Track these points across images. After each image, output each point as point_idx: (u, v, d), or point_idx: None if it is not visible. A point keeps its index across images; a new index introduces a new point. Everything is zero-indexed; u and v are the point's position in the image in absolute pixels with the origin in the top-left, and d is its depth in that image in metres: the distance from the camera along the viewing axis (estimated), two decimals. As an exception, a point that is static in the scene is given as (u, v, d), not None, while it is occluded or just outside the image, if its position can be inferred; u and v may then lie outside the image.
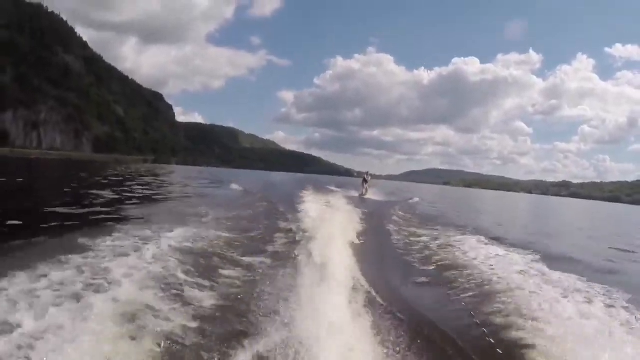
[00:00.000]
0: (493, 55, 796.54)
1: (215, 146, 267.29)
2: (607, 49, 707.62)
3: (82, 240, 4.83)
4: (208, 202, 11.98)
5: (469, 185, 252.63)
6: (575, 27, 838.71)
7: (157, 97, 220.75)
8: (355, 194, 21.75)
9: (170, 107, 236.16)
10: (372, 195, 21.67)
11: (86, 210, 9.18)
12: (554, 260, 6.81)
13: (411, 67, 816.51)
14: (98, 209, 9.29)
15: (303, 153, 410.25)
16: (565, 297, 4.42)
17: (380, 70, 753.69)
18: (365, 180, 22.52)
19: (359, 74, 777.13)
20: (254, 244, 6.31)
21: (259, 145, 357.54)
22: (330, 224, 8.35)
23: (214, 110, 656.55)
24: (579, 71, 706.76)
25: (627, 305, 4.29)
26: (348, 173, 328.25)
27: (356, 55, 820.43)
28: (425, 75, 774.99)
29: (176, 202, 12.92)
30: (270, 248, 6.10)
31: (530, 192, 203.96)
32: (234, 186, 21.24)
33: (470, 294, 4.74)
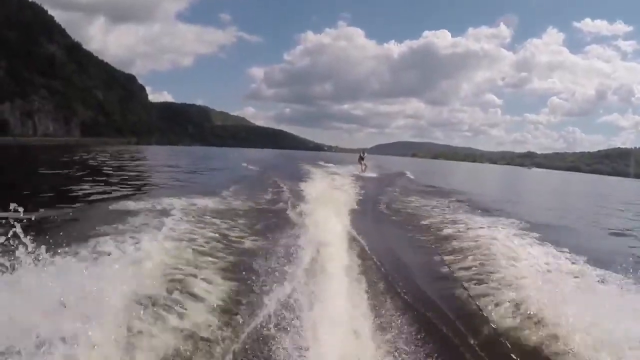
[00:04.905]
0: (464, 28, 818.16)
1: (188, 125, 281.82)
2: (576, 24, 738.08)
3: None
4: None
5: (436, 157, 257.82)
6: (545, 1, 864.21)
7: (130, 80, 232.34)
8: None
9: (142, 88, 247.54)
10: (370, 172, 23.04)
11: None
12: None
13: (382, 41, 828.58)
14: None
15: (273, 129, 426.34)
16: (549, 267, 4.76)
17: (350, 44, 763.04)
18: (361, 158, 24.15)
19: (329, 48, 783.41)
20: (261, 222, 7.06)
21: (230, 122, 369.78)
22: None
23: (183, 88, 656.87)
24: (549, 45, 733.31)
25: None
26: (318, 147, 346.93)
27: (327, 29, 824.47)
28: (395, 49, 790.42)
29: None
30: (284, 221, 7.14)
31: (496, 163, 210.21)
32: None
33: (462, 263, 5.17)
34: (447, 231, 7.18)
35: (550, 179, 56.04)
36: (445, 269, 5.11)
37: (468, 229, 7.02)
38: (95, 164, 22.80)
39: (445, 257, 5.53)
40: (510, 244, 5.66)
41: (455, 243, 6.24)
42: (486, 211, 10.23)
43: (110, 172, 17.71)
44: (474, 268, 4.90)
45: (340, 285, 4.03)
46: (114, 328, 2.69)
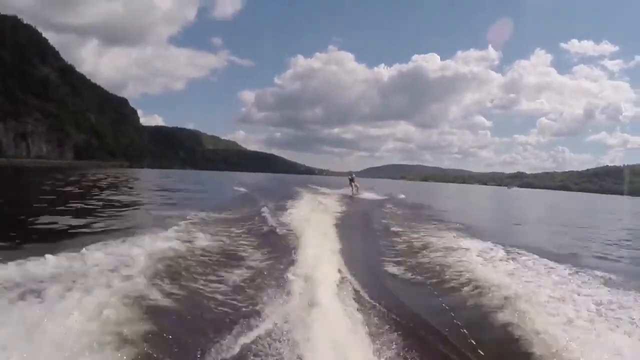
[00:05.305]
0: (453, 51, 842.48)
1: (179, 149, 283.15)
2: (563, 45, 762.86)
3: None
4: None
5: (425, 179, 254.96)
6: (532, 23, 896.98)
7: (122, 103, 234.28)
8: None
9: (134, 112, 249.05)
10: (363, 192, 23.60)
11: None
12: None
13: (372, 65, 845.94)
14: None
15: (265, 153, 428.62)
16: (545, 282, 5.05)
17: (340, 68, 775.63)
18: (351, 180, 24.28)
19: (320, 72, 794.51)
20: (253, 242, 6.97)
21: (221, 146, 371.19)
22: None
23: (174, 112, 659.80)
24: (536, 66, 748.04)
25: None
26: (309, 171, 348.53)
27: (317, 54, 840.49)
28: (385, 72, 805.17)
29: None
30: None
31: (486, 184, 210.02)
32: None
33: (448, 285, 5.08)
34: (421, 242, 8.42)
35: (526, 197, 58.72)
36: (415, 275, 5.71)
37: (432, 236, 8.72)
38: (106, 185, 24.38)
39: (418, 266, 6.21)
40: (452, 241, 7.90)
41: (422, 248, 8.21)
42: (442, 221, 12.26)
43: (125, 189, 19.44)
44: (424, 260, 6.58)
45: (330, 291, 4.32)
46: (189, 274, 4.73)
